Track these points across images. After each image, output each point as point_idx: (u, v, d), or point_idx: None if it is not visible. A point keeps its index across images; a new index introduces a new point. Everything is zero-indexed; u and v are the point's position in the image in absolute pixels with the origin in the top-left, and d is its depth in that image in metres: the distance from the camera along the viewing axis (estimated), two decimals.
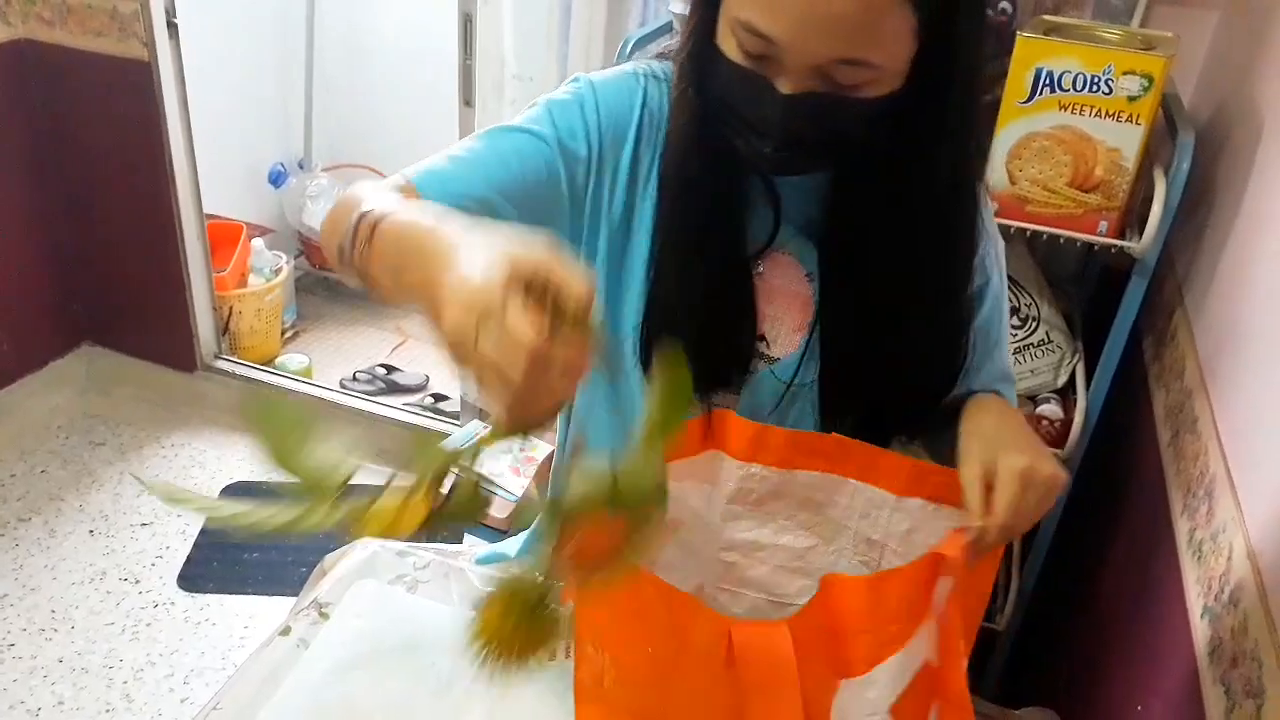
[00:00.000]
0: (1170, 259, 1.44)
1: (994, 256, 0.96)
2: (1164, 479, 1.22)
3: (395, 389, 2.95)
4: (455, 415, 2.61)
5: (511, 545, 1.23)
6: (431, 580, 1.18)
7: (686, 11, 0.85)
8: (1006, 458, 0.78)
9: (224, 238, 2.83)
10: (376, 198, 0.75)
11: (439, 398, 2.89)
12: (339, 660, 1.06)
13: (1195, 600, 1.02)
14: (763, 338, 0.93)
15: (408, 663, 1.06)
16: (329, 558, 1.25)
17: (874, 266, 0.88)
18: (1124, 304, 1.39)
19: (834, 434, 0.88)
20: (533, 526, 1.24)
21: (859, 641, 0.73)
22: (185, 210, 2.56)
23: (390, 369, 3.03)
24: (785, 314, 0.92)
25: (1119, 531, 1.36)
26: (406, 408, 2.72)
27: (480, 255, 0.56)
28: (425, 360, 3.14)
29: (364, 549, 1.22)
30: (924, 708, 0.75)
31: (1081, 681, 1.26)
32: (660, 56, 0.94)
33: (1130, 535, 1.32)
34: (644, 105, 0.90)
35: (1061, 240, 1.40)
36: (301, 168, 3.30)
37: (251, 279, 2.91)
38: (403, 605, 1.14)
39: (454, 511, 0.69)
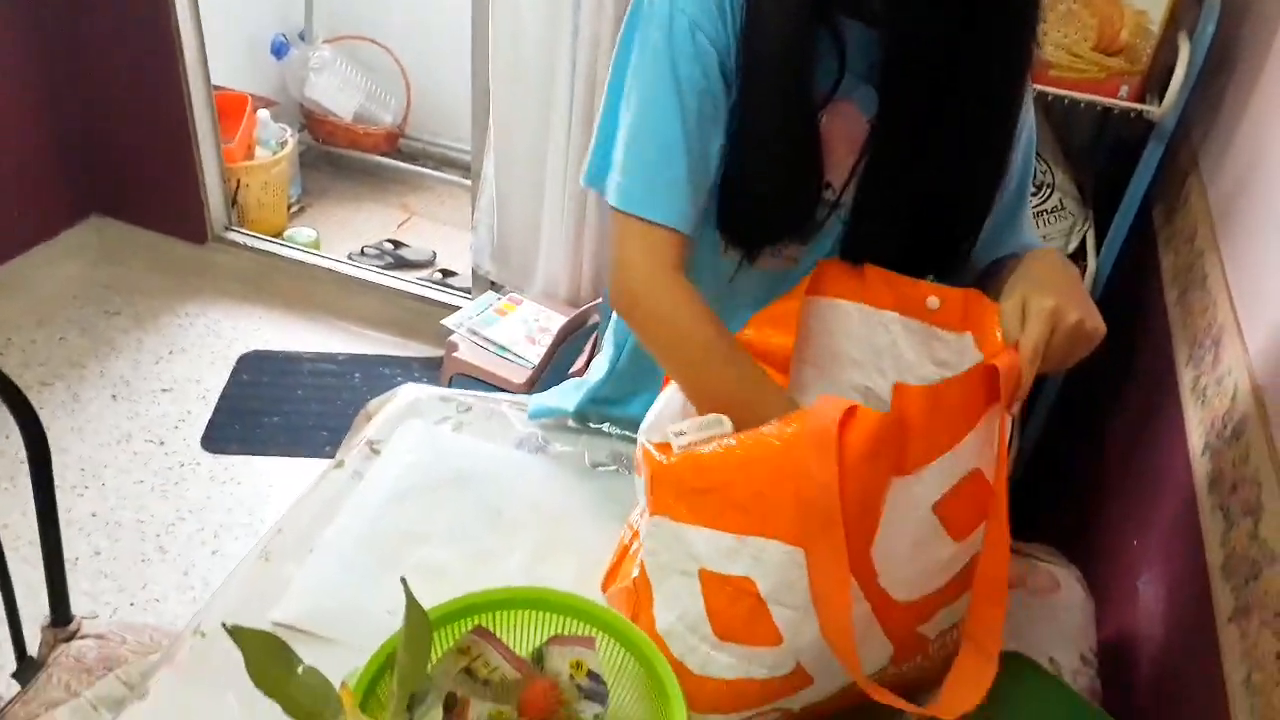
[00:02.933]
0: (1186, 125, 1.47)
1: (1029, 131, 1.01)
2: (1170, 334, 1.28)
3: (403, 264, 2.97)
4: (466, 290, 2.65)
5: (559, 397, 1.28)
6: (475, 422, 1.24)
7: None
8: (1039, 298, 0.84)
9: (230, 109, 2.81)
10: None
11: (447, 273, 2.92)
12: (392, 491, 1.12)
13: (1197, 441, 1.09)
14: (829, 185, 0.98)
15: (458, 494, 1.13)
16: (373, 403, 1.30)
17: (929, 107, 0.92)
18: (1139, 169, 1.42)
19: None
20: (585, 378, 1.29)
21: (915, 444, 0.79)
22: (193, 79, 2.53)
23: (397, 244, 3.05)
24: (848, 160, 0.97)
25: (1123, 384, 1.42)
26: (418, 281, 2.75)
27: None
28: (432, 236, 3.16)
29: (407, 393, 1.28)
30: (965, 510, 0.82)
31: (1083, 523, 1.35)
32: None
33: (1134, 386, 1.38)
34: None
35: (1082, 105, 1.42)
36: (303, 39, 3.24)
37: (258, 151, 2.90)
38: (450, 442, 1.20)
39: None
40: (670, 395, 0.97)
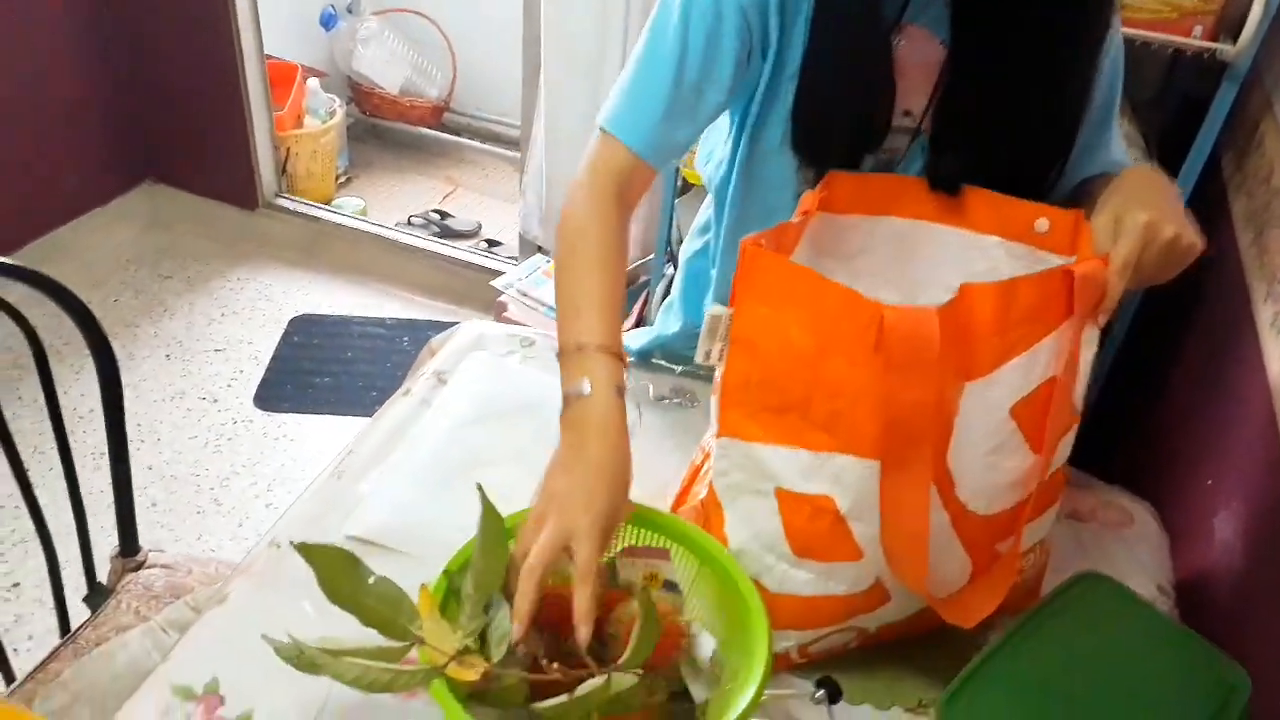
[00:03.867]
0: (1258, 69, 1.44)
1: (1117, 46, 0.98)
2: (1244, 275, 1.26)
3: (449, 234, 2.99)
4: (513, 259, 2.66)
5: (635, 337, 1.28)
6: (539, 356, 1.24)
7: None
8: (1134, 212, 0.82)
9: (280, 78, 2.83)
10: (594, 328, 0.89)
11: (492, 243, 2.94)
12: (460, 417, 1.13)
13: (1277, 373, 1.07)
14: (908, 112, 0.97)
15: (524, 421, 1.13)
16: (435, 339, 1.31)
17: (1005, 27, 0.90)
18: (1210, 114, 1.40)
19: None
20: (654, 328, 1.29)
21: (987, 345, 0.78)
22: (246, 47, 2.56)
23: (443, 215, 3.06)
24: (925, 87, 0.95)
25: (1194, 328, 1.40)
26: (466, 249, 2.76)
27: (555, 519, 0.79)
28: (477, 208, 3.18)
29: (471, 329, 1.28)
30: (1043, 420, 0.81)
31: (1156, 463, 1.33)
32: None
33: (1206, 329, 1.36)
34: None
35: (1153, 47, 1.40)
36: (351, 11, 3.26)
37: (307, 120, 2.93)
38: (516, 373, 1.21)
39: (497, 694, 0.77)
40: None
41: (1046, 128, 0.96)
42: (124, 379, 2.33)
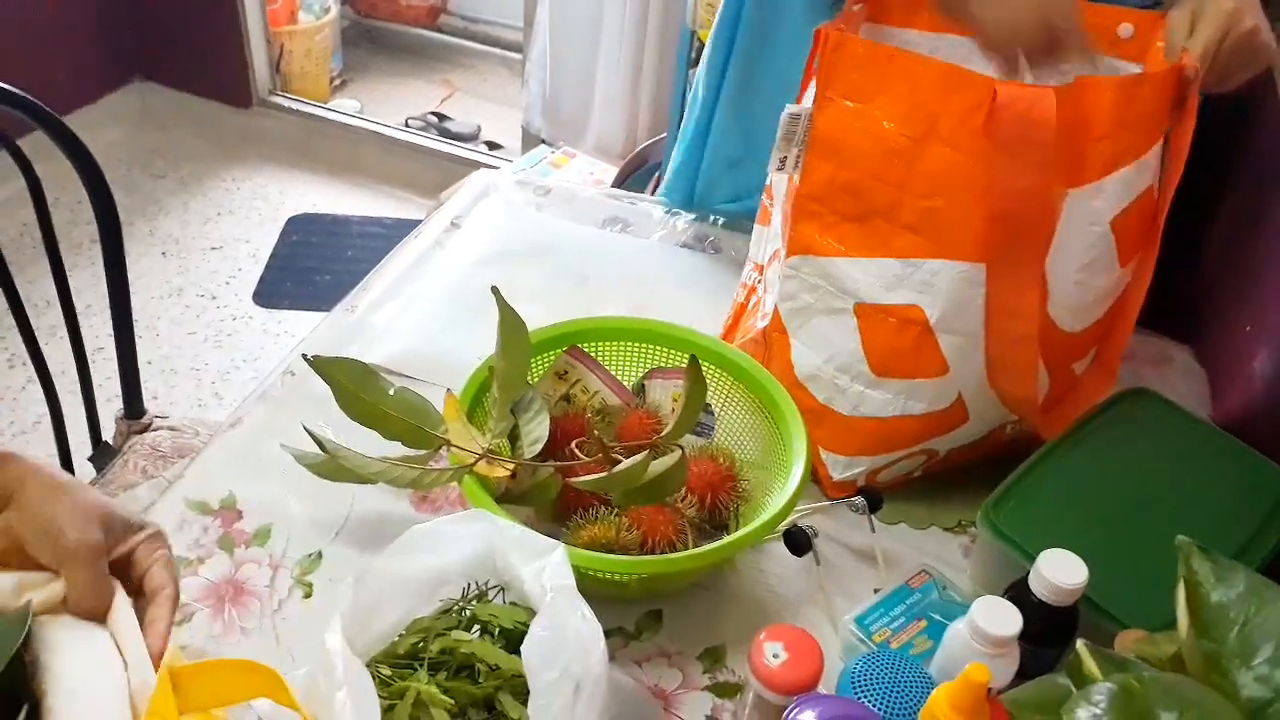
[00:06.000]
0: None
1: None
2: None
3: (448, 136, 2.91)
4: (514, 159, 2.59)
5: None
6: (554, 204, 1.20)
7: None
8: (1216, 1, 0.77)
9: None
10: None
11: (493, 145, 2.87)
12: (478, 256, 1.09)
13: None
14: None
15: (543, 260, 1.09)
16: (444, 193, 1.26)
17: None
18: None
19: None
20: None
21: (1098, 149, 0.73)
22: None
23: (442, 117, 2.98)
24: None
25: (1233, 175, 1.36)
26: (466, 148, 2.69)
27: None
28: (476, 111, 3.09)
29: (481, 177, 1.23)
30: (1136, 231, 0.77)
31: (1192, 310, 1.30)
32: None
33: (1244, 177, 1.32)
34: None
35: None
36: None
37: (301, 16, 2.83)
38: (532, 218, 1.16)
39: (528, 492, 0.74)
40: None
41: None
42: None
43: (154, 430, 1.28)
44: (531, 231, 1.13)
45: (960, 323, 0.76)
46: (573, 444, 0.71)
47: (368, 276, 1.07)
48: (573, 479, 0.69)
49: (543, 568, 0.60)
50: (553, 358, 0.85)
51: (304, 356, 0.75)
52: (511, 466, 0.71)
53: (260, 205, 2.57)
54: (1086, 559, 0.66)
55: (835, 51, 0.74)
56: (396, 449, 0.75)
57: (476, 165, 2.57)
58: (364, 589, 0.62)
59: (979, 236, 0.73)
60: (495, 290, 0.76)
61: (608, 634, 0.74)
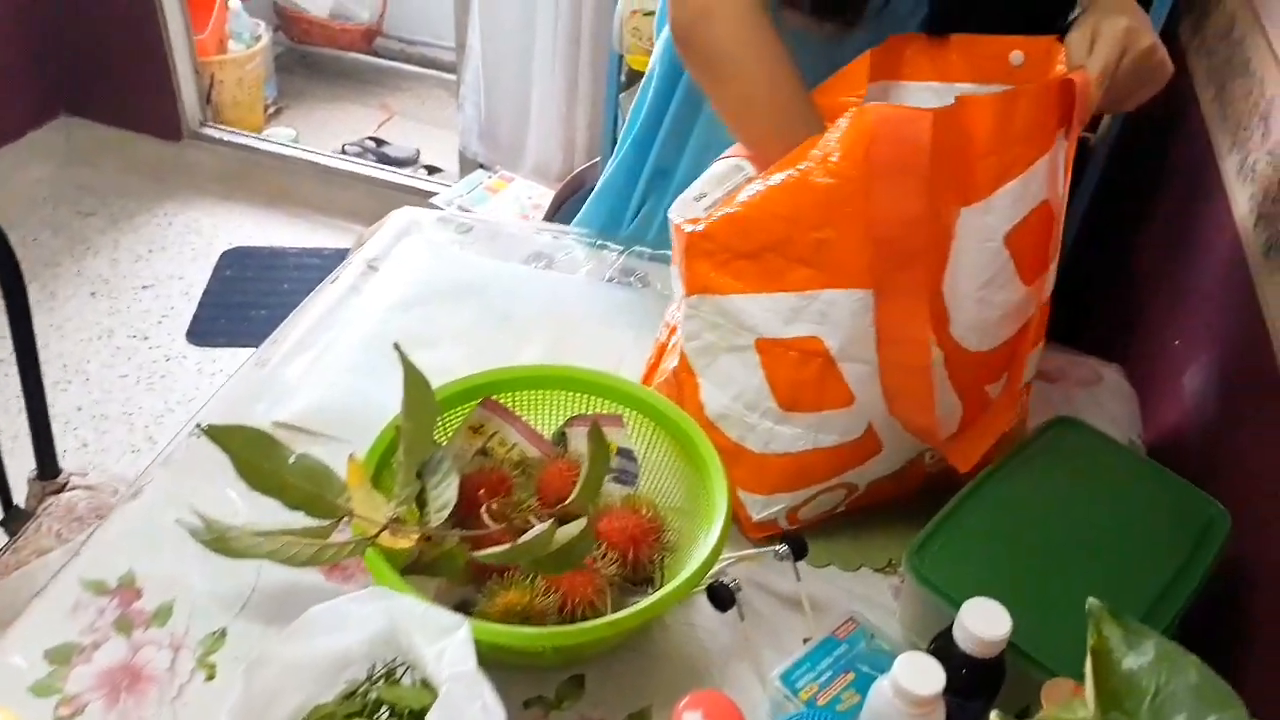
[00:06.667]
0: None
1: None
2: (1208, 133, 1.21)
3: (387, 162, 2.87)
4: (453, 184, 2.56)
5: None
6: (478, 242, 1.17)
7: None
8: (1111, 20, 0.78)
9: (199, 0, 2.68)
10: None
11: (432, 170, 2.83)
12: (396, 299, 1.06)
13: (1247, 215, 1.03)
14: None
15: (465, 301, 1.06)
16: (365, 231, 1.23)
17: None
18: None
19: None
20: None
21: (984, 165, 0.72)
22: None
23: (379, 142, 2.94)
24: None
25: (1160, 196, 1.37)
26: (404, 174, 2.65)
27: None
28: (414, 135, 3.05)
29: (402, 216, 1.20)
30: (1035, 248, 0.76)
31: (1124, 329, 1.30)
32: None
33: (1172, 196, 1.32)
34: None
35: None
36: None
37: (231, 45, 2.78)
38: (455, 257, 1.13)
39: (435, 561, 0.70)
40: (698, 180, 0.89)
41: None
42: (47, 320, 2.23)
43: (70, 490, 1.23)
44: (453, 271, 1.10)
45: (862, 351, 0.75)
46: (482, 509, 0.68)
47: (280, 327, 1.03)
48: (477, 552, 0.66)
49: (444, 649, 0.57)
50: (466, 412, 0.82)
51: (198, 426, 0.72)
52: (416, 536, 0.68)
53: (194, 240, 2.51)
54: (1014, 603, 0.64)
55: None
56: (302, 518, 0.72)
57: (414, 191, 2.55)
58: (257, 678, 0.59)
59: (870, 264, 0.71)
60: (397, 346, 0.73)
61: (526, 704, 0.72)
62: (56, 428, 1.97)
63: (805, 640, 0.74)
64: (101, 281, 2.35)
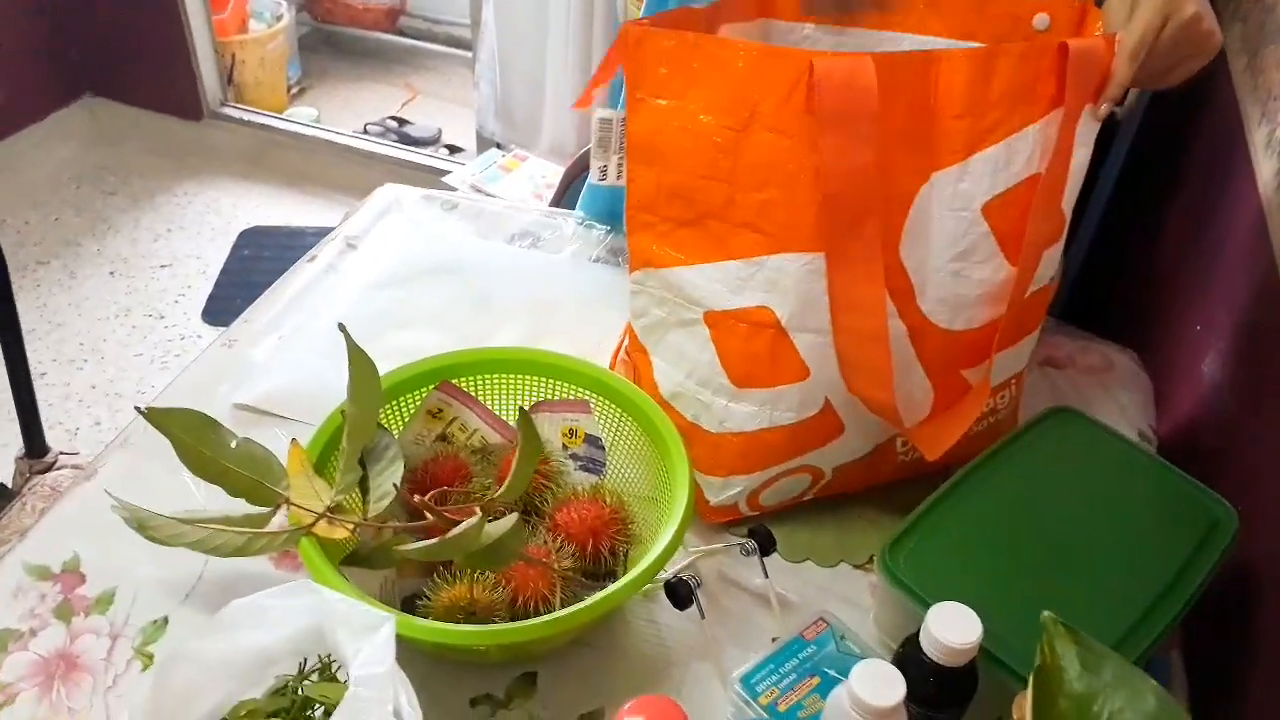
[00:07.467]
0: None
1: None
2: (1238, 104, 1.14)
3: (408, 141, 2.85)
4: None
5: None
6: (462, 220, 1.13)
7: None
8: None
9: None
10: None
11: (453, 149, 2.80)
12: (373, 279, 1.03)
13: (1274, 191, 0.96)
14: None
15: (443, 281, 1.03)
16: (347, 213, 1.20)
17: None
18: None
19: None
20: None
21: (956, 126, 0.66)
22: None
23: (402, 121, 2.92)
24: None
25: (1186, 172, 1.29)
26: (426, 155, 2.63)
27: None
28: (437, 114, 3.02)
29: (386, 193, 1.17)
30: (1021, 221, 0.70)
31: (1141, 315, 1.23)
32: None
33: (1199, 171, 1.25)
34: None
35: None
36: None
37: (252, 24, 2.76)
38: (435, 234, 1.10)
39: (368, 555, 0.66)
40: None
41: None
42: (65, 299, 2.24)
43: (57, 469, 1.22)
44: (434, 250, 1.06)
45: (814, 320, 0.70)
46: (414, 499, 0.64)
47: (252, 306, 1.00)
48: (402, 547, 0.63)
49: (361, 648, 0.54)
50: (422, 395, 0.78)
51: (137, 409, 0.69)
52: (351, 527, 0.65)
53: (213, 219, 2.51)
54: (993, 607, 0.59)
55: (638, 48, 0.68)
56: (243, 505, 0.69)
57: (434, 170, 2.52)
58: (170, 677, 0.56)
59: (818, 224, 0.66)
60: (342, 326, 0.70)
61: (473, 702, 0.68)
62: (70, 405, 2.00)
63: (774, 639, 0.70)
64: (121, 260, 2.36)
